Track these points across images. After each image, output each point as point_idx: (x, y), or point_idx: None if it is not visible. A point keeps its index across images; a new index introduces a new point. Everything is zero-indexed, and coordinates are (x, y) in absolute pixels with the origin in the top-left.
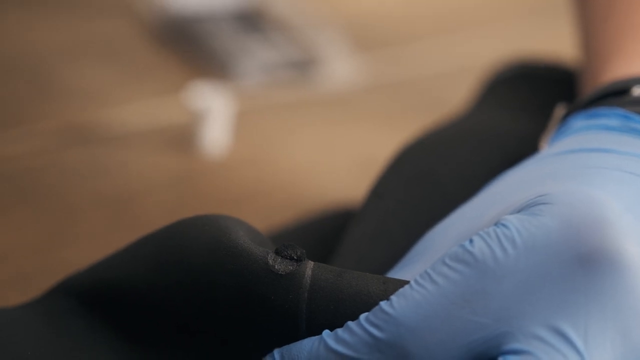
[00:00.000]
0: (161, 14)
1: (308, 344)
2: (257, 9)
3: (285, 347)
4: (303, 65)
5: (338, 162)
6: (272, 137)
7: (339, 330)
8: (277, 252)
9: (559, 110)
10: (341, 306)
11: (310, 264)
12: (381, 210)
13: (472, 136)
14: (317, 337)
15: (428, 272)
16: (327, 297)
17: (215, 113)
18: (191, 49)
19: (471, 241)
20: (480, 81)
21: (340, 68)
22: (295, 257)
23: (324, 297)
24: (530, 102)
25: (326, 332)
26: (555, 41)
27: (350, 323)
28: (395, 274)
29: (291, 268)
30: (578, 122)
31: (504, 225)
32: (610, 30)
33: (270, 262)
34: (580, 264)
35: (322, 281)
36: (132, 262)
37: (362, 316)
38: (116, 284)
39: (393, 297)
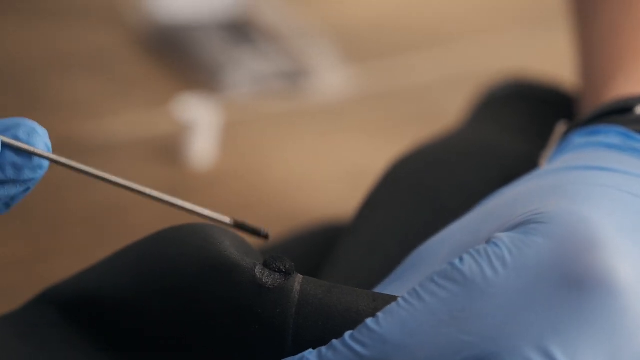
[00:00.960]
0: (150, 24)
1: None
2: (247, 19)
3: None
4: (293, 76)
5: (328, 174)
6: (261, 148)
7: (323, 349)
8: (265, 264)
9: (560, 128)
10: (329, 322)
11: (299, 278)
12: (375, 222)
13: (469, 151)
14: (299, 355)
15: (416, 289)
16: (315, 313)
17: (203, 124)
18: (180, 60)
19: (461, 259)
20: (475, 97)
21: (331, 79)
22: (283, 270)
23: (312, 313)
24: (525, 121)
25: (309, 351)
26: (549, 52)
27: (334, 341)
28: (385, 287)
29: (279, 281)
30: (578, 138)
31: (495, 243)
32: (614, 50)
33: (258, 274)
34: (571, 285)
35: (310, 296)
36: (114, 272)
37: (347, 334)
38: (98, 294)
39: (379, 314)
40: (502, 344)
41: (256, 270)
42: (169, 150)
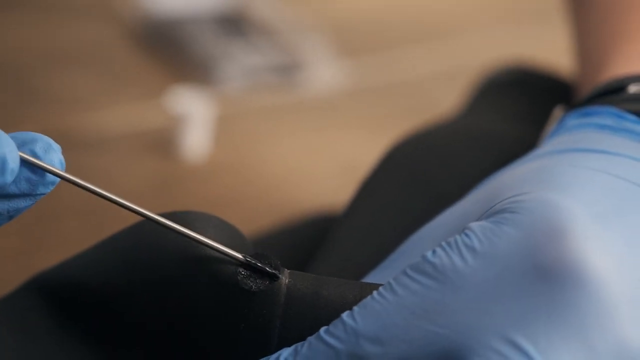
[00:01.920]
0: (144, 18)
1: None
2: (241, 13)
3: None
4: (286, 70)
5: (321, 167)
6: (255, 141)
7: (299, 345)
8: (250, 264)
9: (558, 112)
10: (316, 318)
11: (286, 274)
12: (370, 208)
13: (466, 137)
14: (275, 354)
15: (390, 283)
16: (302, 310)
17: (196, 118)
18: (174, 53)
19: (434, 252)
20: (473, 84)
21: (324, 72)
22: (269, 270)
23: (299, 311)
24: (523, 108)
25: (285, 349)
26: (544, 45)
27: (310, 337)
28: (377, 274)
29: (264, 286)
30: (572, 120)
31: (466, 234)
32: (607, 33)
33: (241, 279)
34: (540, 276)
35: (297, 294)
36: (101, 261)
37: (323, 329)
38: (84, 282)
39: (355, 308)
40: (472, 335)
41: (239, 275)
42: (162, 143)
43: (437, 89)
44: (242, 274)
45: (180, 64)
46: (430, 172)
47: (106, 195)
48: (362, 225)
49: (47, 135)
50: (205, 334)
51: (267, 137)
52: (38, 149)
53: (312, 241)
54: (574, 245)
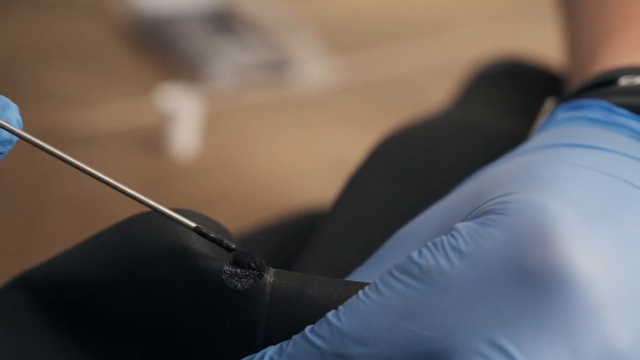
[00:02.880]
0: (133, 15)
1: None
2: (230, 10)
3: None
4: (276, 67)
5: (311, 164)
6: (244, 139)
7: (284, 343)
8: (235, 262)
9: (549, 104)
10: (302, 316)
11: (271, 272)
12: (358, 202)
13: (456, 130)
14: (260, 352)
15: (376, 283)
16: (287, 308)
17: (186, 115)
18: (163, 51)
19: (420, 252)
20: (464, 77)
21: (314, 69)
22: (254, 267)
23: (284, 309)
24: (514, 100)
25: (270, 347)
26: (534, 43)
27: (295, 336)
28: (363, 271)
29: (249, 284)
30: (562, 113)
31: (452, 234)
32: (599, 25)
33: (226, 277)
34: (526, 279)
35: (282, 292)
36: (86, 258)
37: (308, 328)
38: (71, 279)
39: (340, 308)
40: (457, 337)
41: (224, 273)
42: (151, 140)
43: (428, 85)
44: (227, 273)
45: (170, 61)
46: (418, 166)
47: (69, 160)
48: (349, 220)
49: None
50: (191, 331)
51: (257, 134)
52: None
53: (299, 237)
54: (560, 247)
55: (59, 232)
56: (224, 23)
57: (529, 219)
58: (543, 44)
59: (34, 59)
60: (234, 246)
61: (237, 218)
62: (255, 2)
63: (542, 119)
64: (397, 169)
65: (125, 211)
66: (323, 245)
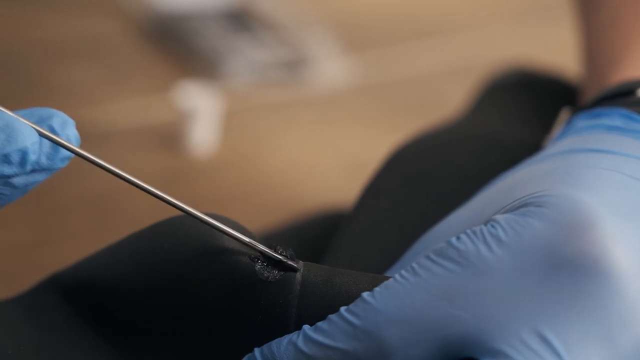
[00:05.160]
0: (150, 12)
1: (287, 337)
2: (247, 8)
3: (266, 345)
4: (292, 65)
5: (327, 163)
6: (261, 137)
7: (319, 322)
8: (265, 255)
9: (565, 114)
10: (331, 307)
11: (300, 265)
12: (376, 209)
13: (471, 139)
14: (297, 331)
15: (412, 266)
16: (317, 299)
17: (203, 112)
18: (180, 48)
19: (458, 238)
20: (478, 85)
21: (330, 68)
22: (285, 259)
23: (314, 300)
24: (526, 110)
25: (306, 326)
26: (550, 43)
27: (330, 315)
28: (388, 274)
29: (281, 274)
30: (581, 121)
31: (492, 224)
32: (618, 36)
33: (259, 269)
34: (565, 268)
35: (312, 284)
36: (117, 261)
37: (343, 307)
38: (100, 282)
39: (376, 289)
40: (493, 321)
41: (257, 266)
42: (169, 138)
43: (444, 85)
44: (259, 266)
45: (187, 59)
46: (433, 174)
47: (121, 174)
48: (369, 226)
49: None
50: (221, 328)
51: (273, 132)
52: (56, 125)
53: (318, 240)
54: (600, 238)
55: (76, 229)
56: (241, 21)
57: (568, 210)
58: (557, 42)
59: (52, 56)
60: (295, 265)
61: (253, 215)
62: (272, 0)
63: (558, 128)
64: (412, 178)
65: (142, 209)
66: (342, 251)
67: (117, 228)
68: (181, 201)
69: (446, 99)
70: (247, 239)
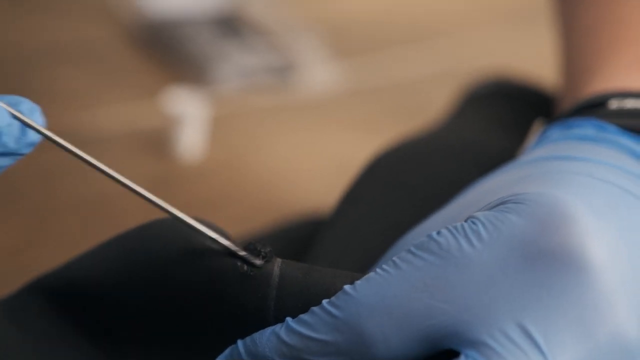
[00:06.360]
0: (140, 17)
1: (270, 329)
2: (236, 14)
3: (248, 337)
4: (281, 70)
5: (316, 168)
6: (250, 142)
7: (302, 314)
8: (245, 250)
9: (539, 124)
10: (310, 302)
11: (278, 261)
12: (354, 215)
13: (449, 147)
14: (280, 323)
15: (394, 260)
16: (295, 295)
17: (191, 117)
18: (169, 53)
19: (439, 232)
20: (457, 94)
21: (319, 73)
22: (263, 254)
23: (292, 294)
24: (506, 119)
25: (289, 317)
26: (535, 48)
27: (313, 307)
28: None
29: (259, 268)
30: (555, 132)
31: (472, 221)
32: (593, 47)
33: (239, 263)
34: (542, 259)
35: (290, 278)
36: (101, 263)
37: (325, 300)
38: (84, 283)
39: (357, 282)
40: (472, 313)
41: (237, 260)
42: (157, 142)
43: (431, 89)
44: (239, 260)
45: (176, 64)
46: (413, 180)
47: (86, 158)
48: (346, 234)
49: None
50: (203, 323)
51: (262, 137)
52: (24, 110)
53: (298, 245)
54: (577, 231)
55: (67, 231)
56: (230, 27)
57: (546, 205)
58: (543, 49)
59: (42, 60)
60: (272, 259)
61: (241, 220)
62: (261, 6)
63: (532, 137)
64: (391, 185)
65: (133, 211)
66: (321, 257)
67: (105, 231)
68: (168, 204)
69: (434, 104)
70: (215, 235)
